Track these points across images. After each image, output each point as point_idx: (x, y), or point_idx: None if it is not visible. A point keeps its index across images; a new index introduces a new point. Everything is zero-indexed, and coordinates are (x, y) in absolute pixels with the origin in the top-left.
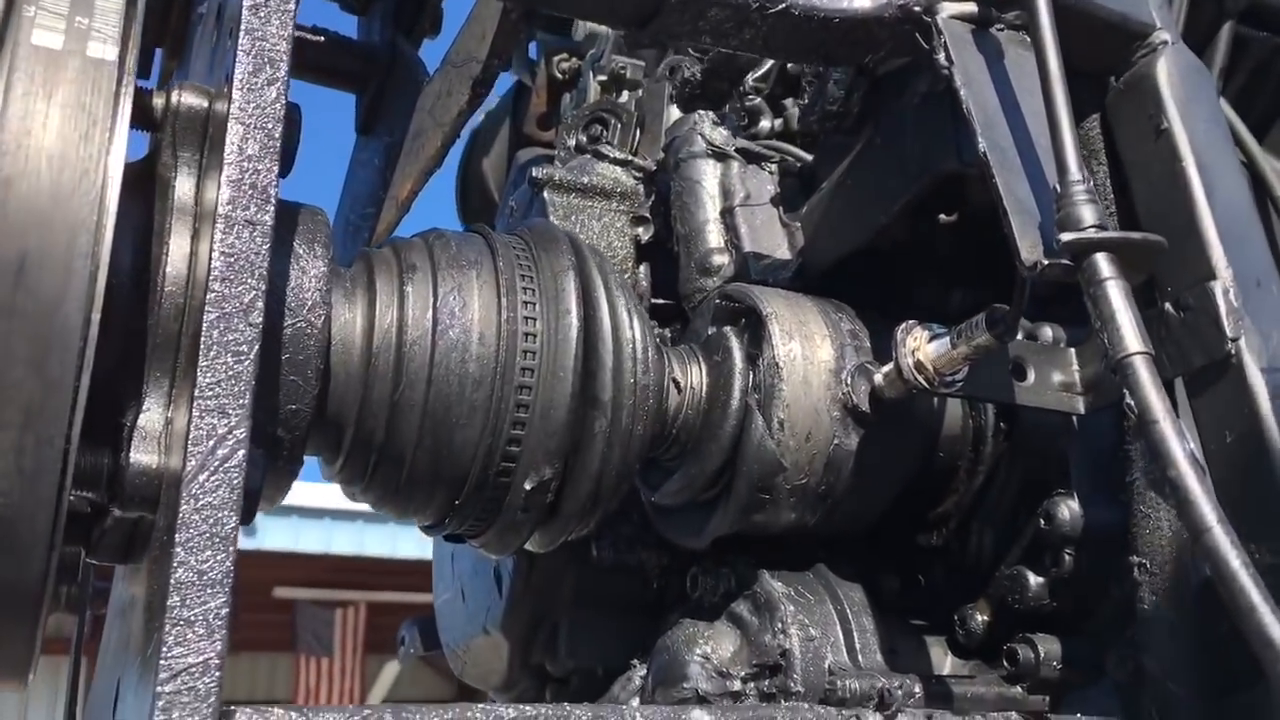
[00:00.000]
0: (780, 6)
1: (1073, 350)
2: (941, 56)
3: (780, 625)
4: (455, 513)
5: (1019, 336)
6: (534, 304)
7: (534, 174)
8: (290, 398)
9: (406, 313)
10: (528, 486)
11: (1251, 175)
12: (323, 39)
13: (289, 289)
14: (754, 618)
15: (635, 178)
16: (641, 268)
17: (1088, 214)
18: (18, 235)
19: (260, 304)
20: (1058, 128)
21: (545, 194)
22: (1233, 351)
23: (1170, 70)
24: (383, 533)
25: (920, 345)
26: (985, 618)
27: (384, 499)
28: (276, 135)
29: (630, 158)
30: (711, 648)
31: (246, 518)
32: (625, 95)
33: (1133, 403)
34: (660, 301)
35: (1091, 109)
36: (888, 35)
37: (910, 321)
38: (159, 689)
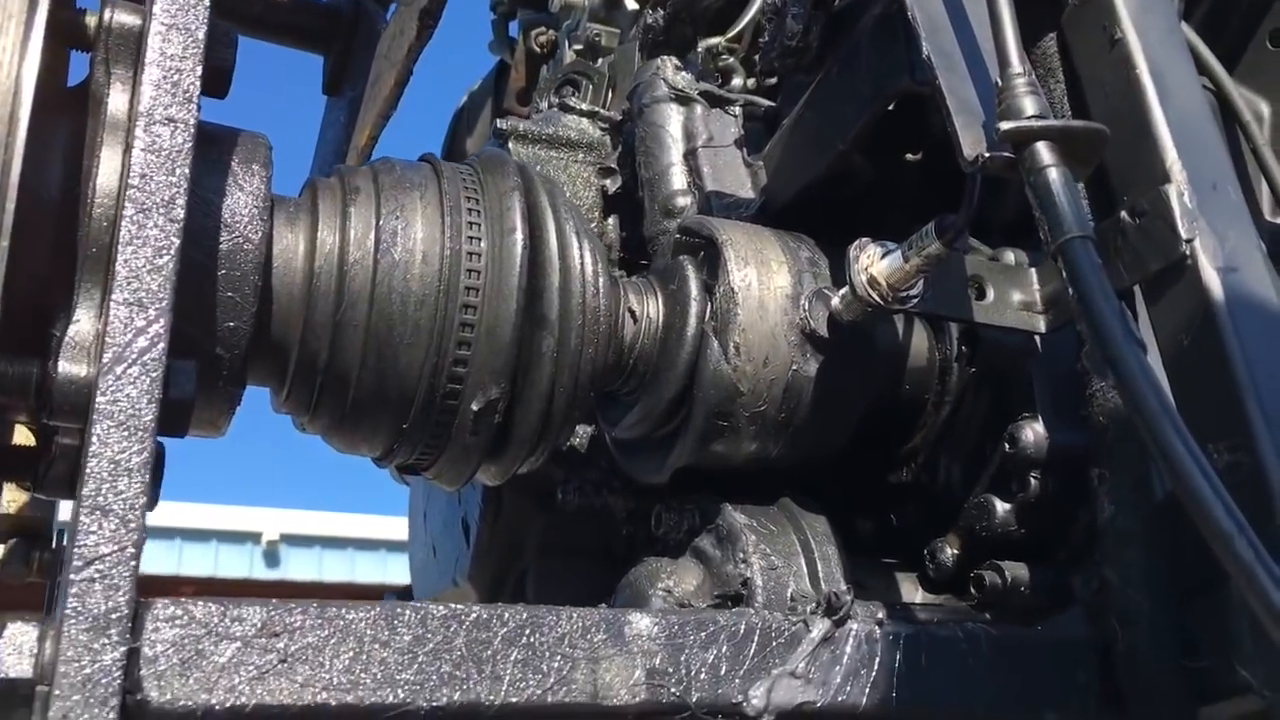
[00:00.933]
0: None
1: (1034, 270)
2: None
3: (742, 555)
4: (403, 439)
5: (980, 258)
6: (478, 224)
7: (499, 125)
8: (228, 314)
9: (348, 234)
10: (475, 407)
11: (1220, 103)
12: (288, 1)
13: (225, 205)
14: (716, 550)
15: (601, 128)
16: (610, 219)
17: (1028, 104)
18: None
19: (180, 200)
20: (999, 24)
21: (510, 144)
22: (1187, 253)
23: None
24: (405, 561)
25: (873, 261)
26: (955, 550)
27: (332, 427)
28: (200, 36)
29: (596, 109)
30: (674, 581)
31: (178, 428)
32: (600, 62)
33: (1070, 284)
34: (629, 257)
35: (1049, 28)
36: None
37: (863, 239)
38: (72, 576)
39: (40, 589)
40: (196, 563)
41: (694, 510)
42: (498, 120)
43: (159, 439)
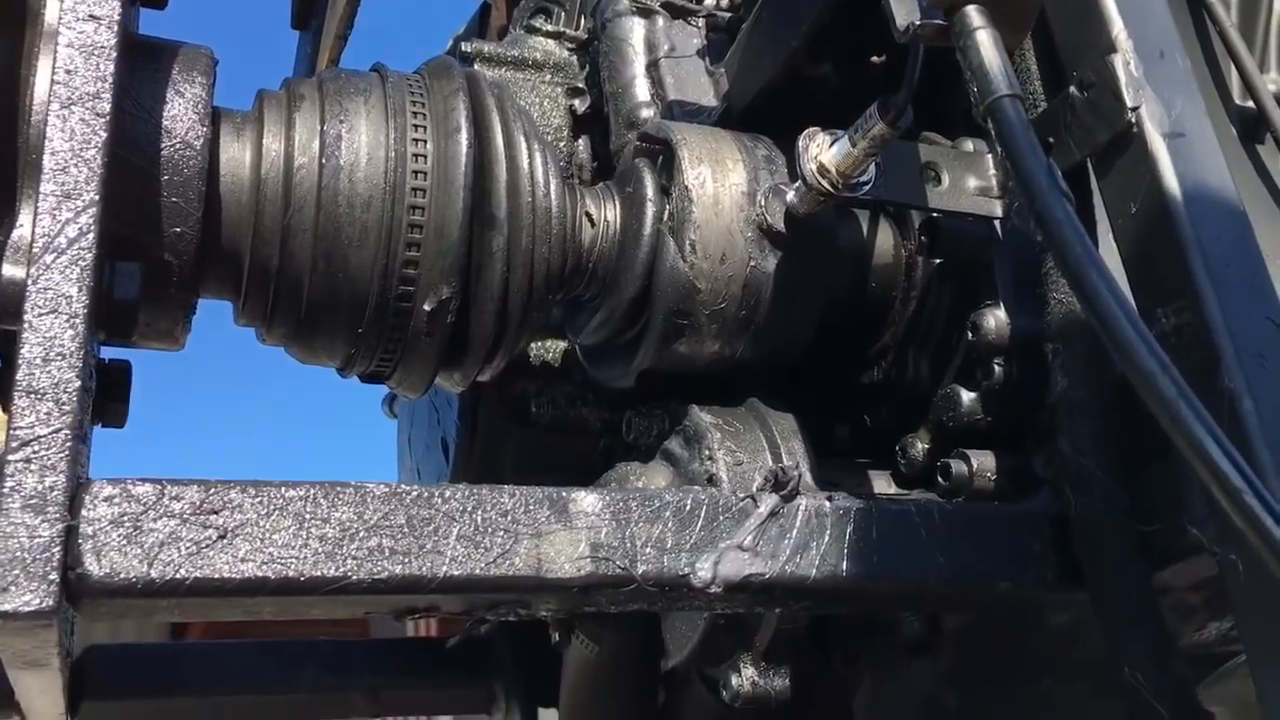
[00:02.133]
0: None
1: (990, 156)
2: None
3: (708, 453)
4: (361, 344)
5: (942, 147)
6: (423, 127)
7: (463, 48)
8: (173, 220)
9: (293, 140)
10: (428, 308)
11: None
12: None
13: (164, 112)
14: (684, 450)
15: (568, 49)
16: (580, 140)
17: None
18: None
19: (106, 95)
20: None
21: (475, 66)
22: (1133, 120)
23: None
24: None
25: (822, 150)
26: (925, 444)
27: (290, 336)
28: None
29: (563, 30)
30: (644, 482)
31: (123, 330)
32: None
33: (1000, 144)
34: (601, 175)
35: None
36: None
37: (812, 129)
38: (9, 458)
39: None
40: None
41: (663, 415)
42: (462, 43)
43: (123, 360)
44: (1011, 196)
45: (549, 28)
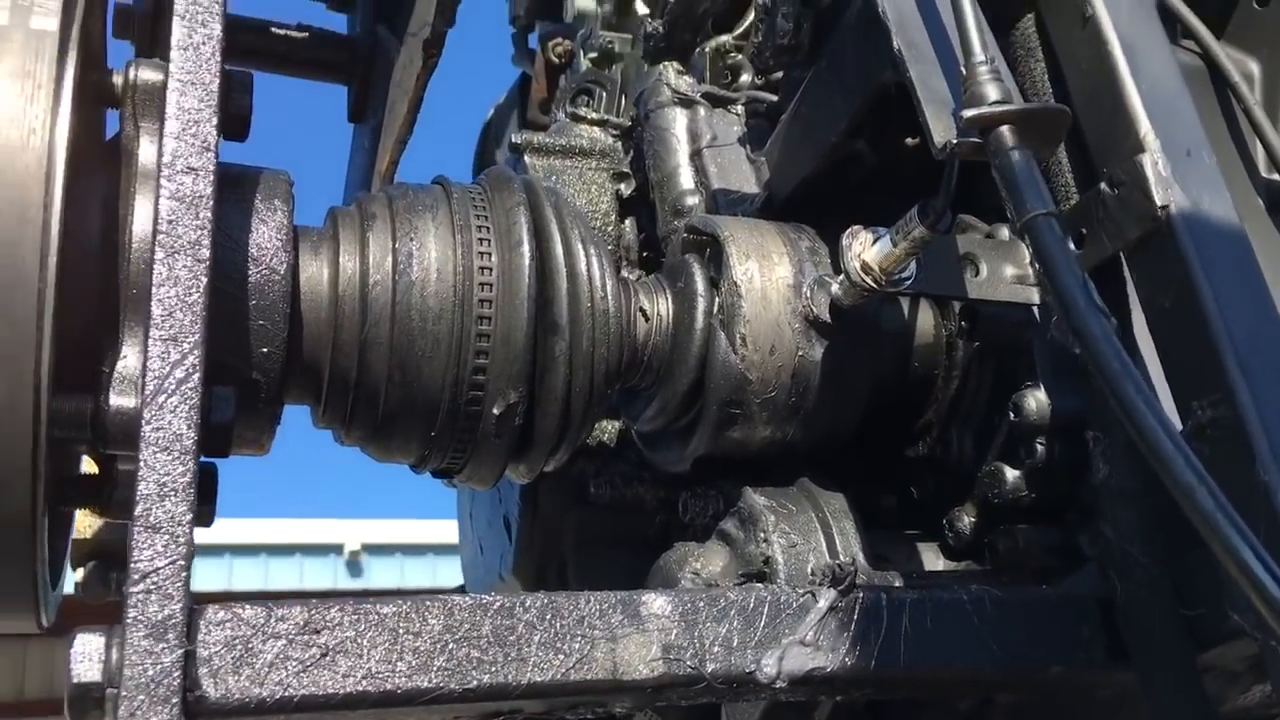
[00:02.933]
0: None
1: (1024, 244)
2: None
3: (763, 535)
4: (433, 445)
5: (973, 236)
6: (488, 240)
7: (514, 140)
8: (261, 341)
9: (368, 258)
10: (496, 411)
11: (1208, 66)
12: (308, 35)
13: (251, 241)
14: (739, 532)
15: (613, 135)
16: (626, 222)
17: (991, 91)
18: None
19: (206, 242)
20: (961, 14)
21: (526, 158)
22: (1163, 218)
23: None
24: None
25: (864, 248)
26: (971, 519)
27: (367, 439)
28: (214, 89)
29: (607, 117)
30: (702, 564)
31: (218, 449)
32: (614, 68)
33: (1036, 259)
34: (649, 255)
35: (1026, 8)
36: None
37: (855, 227)
38: (130, 589)
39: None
40: (282, 577)
41: (718, 495)
42: (513, 135)
43: (209, 461)
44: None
45: (594, 116)
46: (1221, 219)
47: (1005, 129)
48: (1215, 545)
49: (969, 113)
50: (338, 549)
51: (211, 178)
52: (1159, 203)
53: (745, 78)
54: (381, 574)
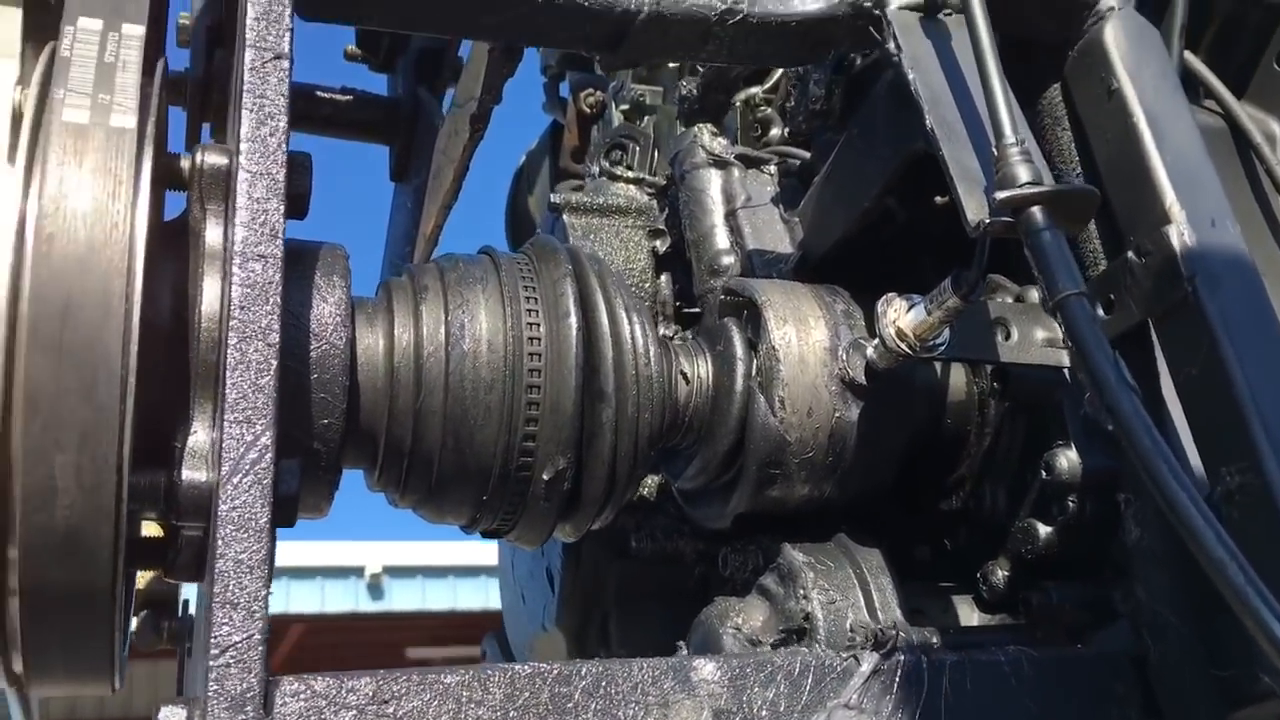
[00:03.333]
0: (738, 18)
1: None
2: (891, 46)
3: (803, 591)
4: (485, 508)
5: (1008, 300)
6: (536, 311)
7: (553, 199)
8: (322, 413)
9: (422, 330)
10: (546, 477)
11: (1230, 127)
12: (352, 98)
13: (311, 316)
14: (779, 588)
15: (648, 194)
16: (662, 277)
17: (1022, 172)
18: (61, 283)
19: (276, 326)
20: (993, 96)
21: (565, 217)
22: (1190, 289)
23: (1118, 34)
24: None
25: (899, 315)
26: (1005, 572)
27: (421, 502)
28: (280, 179)
29: (643, 176)
30: (743, 619)
31: (285, 520)
32: (645, 120)
33: (1068, 337)
34: (684, 309)
35: (1053, 79)
36: (843, 32)
37: (890, 294)
38: (210, 663)
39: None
40: (304, 600)
41: (757, 551)
42: (551, 194)
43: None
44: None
45: (629, 175)
46: (1246, 288)
47: (1037, 210)
48: (1246, 618)
49: (1002, 194)
50: (359, 571)
51: (279, 264)
52: (1185, 273)
53: (775, 131)
54: (403, 596)
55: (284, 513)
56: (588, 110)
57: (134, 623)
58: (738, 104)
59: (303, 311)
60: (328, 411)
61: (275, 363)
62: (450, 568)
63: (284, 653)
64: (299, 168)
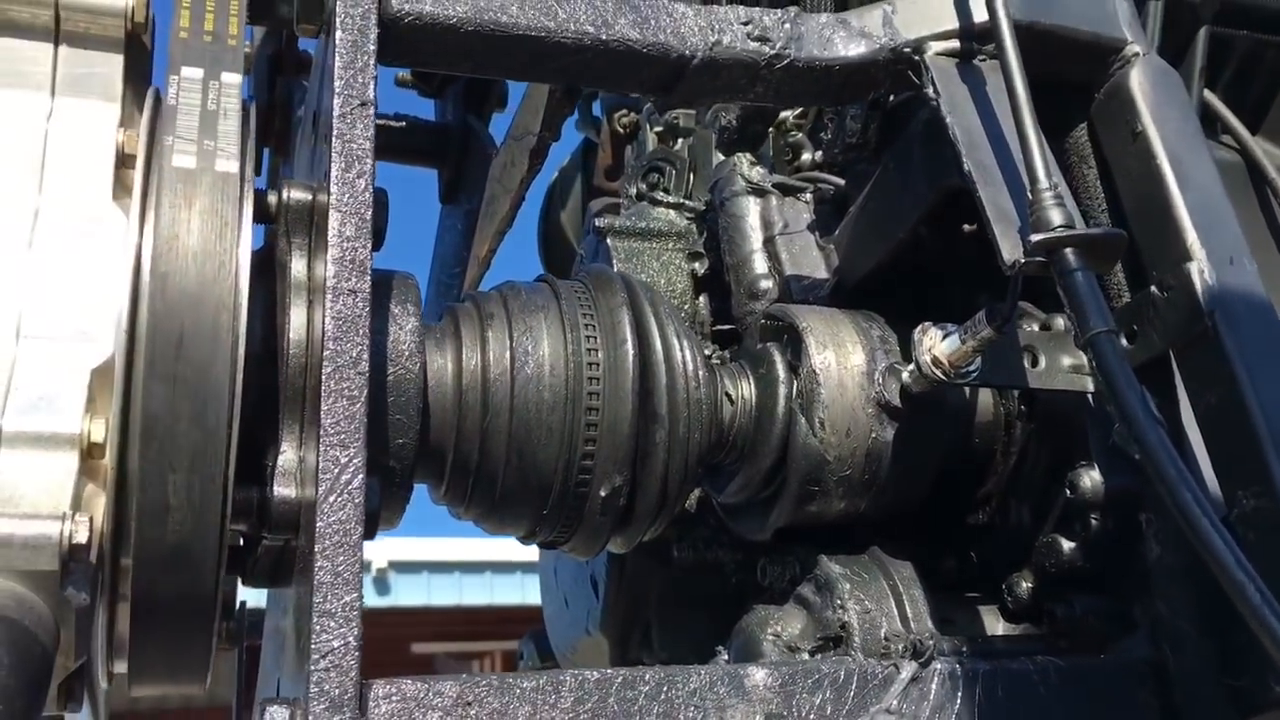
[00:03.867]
0: (785, 62)
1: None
2: (930, 90)
3: (839, 601)
4: (544, 522)
5: (1035, 328)
6: (595, 338)
7: (597, 224)
8: (397, 433)
9: (488, 354)
10: (603, 494)
11: (1245, 161)
12: (404, 124)
13: (388, 343)
14: (816, 597)
15: (687, 219)
16: (701, 299)
17: (1056, 216)
18: (175, 316)
19: (366, 356)
20: (1027, 143)
21: (608, 240)
22: (1210, 324)
23: (1142, 79)
24: (510, 582)
25: (935, 343)
26: (1029, 584)
27: (484, 516)
28: (368, 218)
29: (682, 201)
30: (782, 627)
31: (369, 533)
32: (680, 143)
33: (1099, 373)
34: (720, 328)
35: (1080, 118)
36: (884, 75)
37: (926, 323)
38: (312, 668)
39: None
40: None
41: (795, 561)
42: (596, 219)
43: None
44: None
45: (669, 199)
46: (1263, 323)
47: (1069, 251)
48: (1262, 634)
49: (1036, 237)
50: (365, 566)
51: (368, 298)
52: (1205, 308)
53: (806, 156)
54: (408, 592)
55: (370, 527)
56: (621, 130)
57: None
58: (770, 130)
59: (380, 339)
60: (403, 432)
61: (366, 390)
62: (456, 564)
63: None
64: (378, 205)
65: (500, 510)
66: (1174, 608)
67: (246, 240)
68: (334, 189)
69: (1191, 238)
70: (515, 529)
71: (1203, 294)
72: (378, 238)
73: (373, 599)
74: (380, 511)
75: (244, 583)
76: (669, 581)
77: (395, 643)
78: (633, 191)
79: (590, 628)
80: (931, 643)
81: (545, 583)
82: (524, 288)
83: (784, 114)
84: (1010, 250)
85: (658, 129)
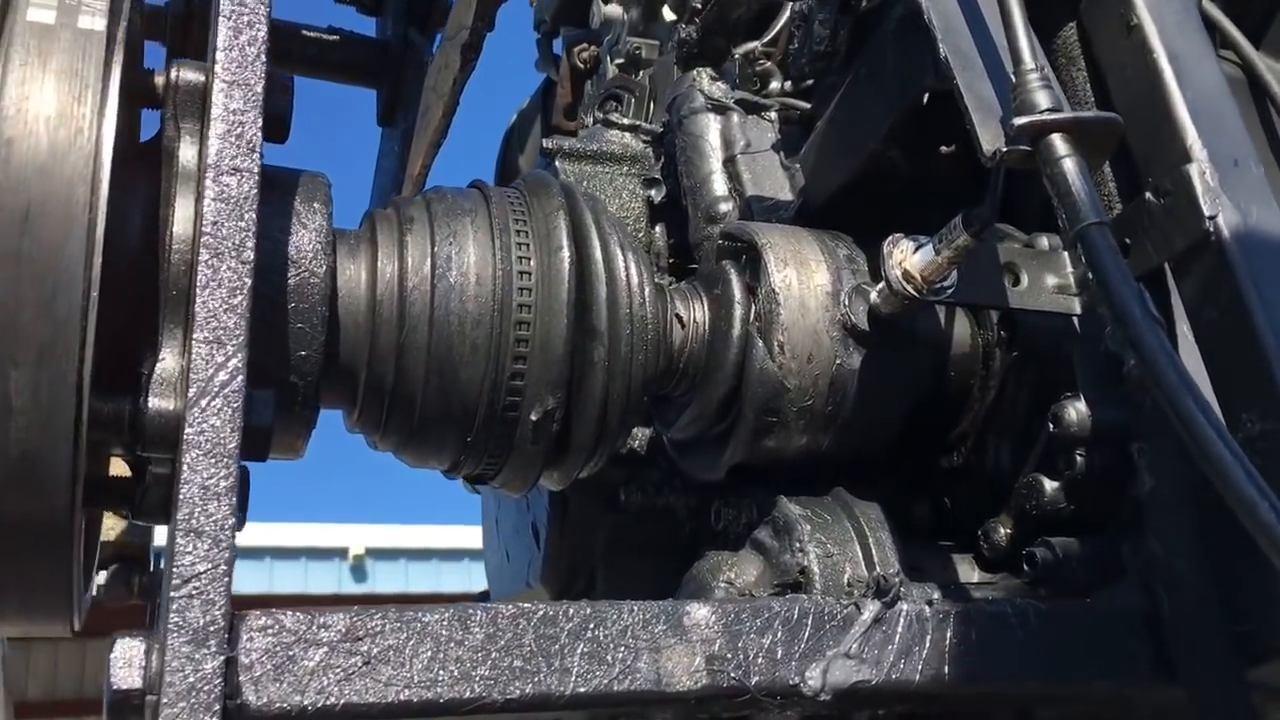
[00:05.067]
0: None
1: (1066, 253)
2: None
3: (799, 545)
4: (469, 451)
5: (1013, 245)
6: (527, 244)
7: (544, 145)
8: (299, 344)
9: (406, 261)
10: (534, 418)
11: (1248, 77)
12: (339, 38)
13: (290, 243)
14: (774, 541)
15: (644, 141)
16: (657, 228)
17: (1042, 99)
18: (21, 188)
19: (250, 244)
20: (1010, 22)
21: (557, 163)
22: (1211, 229)
23: None
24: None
25: (906, 256)
26: (1008, 530)
27: (402, 444)
28: (258, 90)
29: (638, 123)
30: (735, 573)
31: (257, 452)
32: (642, 74)
33: (1089, 270)
34: (679, 262)
35: (1068, 17)
36: None
37: (896, 234)
38: (171, 594)
39: (140, 611)
40: (287, 580)
41: (751, 504)
42: (544, 140)
43: (242, 463)
44: (1090, 296)
45: (625, 121)
46: (1270, 230)
47: (1056, 137)
48: (1275, 557)
49: (1020, 120)
50: (342, 553)
51: (256, 179)
52: (1207, 213)
53: (775, 85)
54: (386, 579)
55: (255, 445)
56: (581, 65)
57: (103, 575)
58: (737, 57)
59: (280, 237)
60: (305, 343)
61: (249, 282)
62: (433, 550)
63: None
64: (280, 87)
65: (420, 438)
66: (1169, 546)
67: (112, 107)
68: (220, 57)
69: (1191, 137)
70: (437, 460)
71: (1204, 197)
72: (278, 126)
73: (350, 585)
74: (272, 429)
75: (134, 517)
76: (616, 528)
77: None
78: (589, 121)
79: (531, 580)
80: (898, 580)
81: (487, 536)
82: (450, 192)
83: (751, 43)
84: (990, 140)
85: (618, 61)
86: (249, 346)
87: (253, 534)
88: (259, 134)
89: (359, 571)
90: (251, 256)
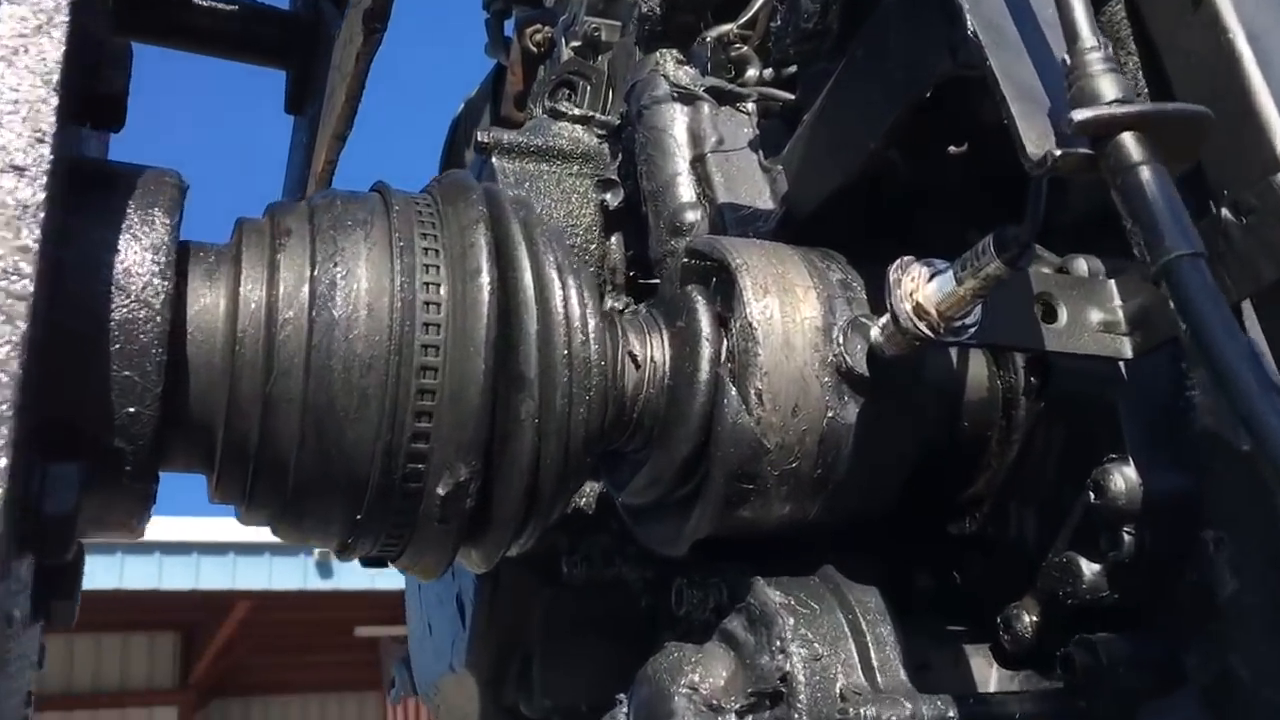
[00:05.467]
0: None
1: (1113, 282)
2: None
3: (779, 643)
4: (360, 530)
5: (1046, 271)
6: (436, 266)
7: (479, 138)
8: (126, 398)
9: (277, 287)
10: (441, 491)
11: None
12: (240, 9)
13: (116, 264)
14: (749, 635)
15: (598, 135)
16: (612, 238)
17: (1107, 86)
18: None
19: (28, 269)
20: None
21: (494, 160)
22: None
23: None
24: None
25: (919, 285)
26: (1034, 618)
27: (276, 517)
28: (55, 58)
29: (591, 114)
30: (700, 675)
31: (57, 545)
32: (600, 59)
33: (1181, 319)
34: (638, 279)
35: None
36: None
37: (905, 258)
38: None
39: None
40: (251, 576)
41: (720, 584)
42: (478, 133)
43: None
44: (1143, 336)
45: (575, 111)
46: None
47: (1129, 137)
48: None
49: (1081, 114)
50: (307, 549)
51: (44, 179)
52: None
53: (752, 72)
54: (351, 575)
55: (52, 537)
56: (534, 49)
57: None
58: (709, 40)
59: (100, 256)
60: (135, 396)
61: (24, 327)
62: None
63: (230, 629)
64: (110, 58)
65: (295, 512)
66: (1258, 670)
67: None
68: (4, 12)
69: None
70: (322, 538)
71: None
72: (110, 109)
73: (315, 581)
74: (76, 514)
75: None
76: (556, 605)
77: (338, 626)
78: (539, 111)
79: (455, 663)
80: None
81: (409, 601)
82: (342, 197)
83: (725, 26)
84: (1037, 140)
85: (575, 44)
86: (37, 410)
87: (216, 529)
88: (53, 118)
89: (324, 568)
90: (29, 289)
